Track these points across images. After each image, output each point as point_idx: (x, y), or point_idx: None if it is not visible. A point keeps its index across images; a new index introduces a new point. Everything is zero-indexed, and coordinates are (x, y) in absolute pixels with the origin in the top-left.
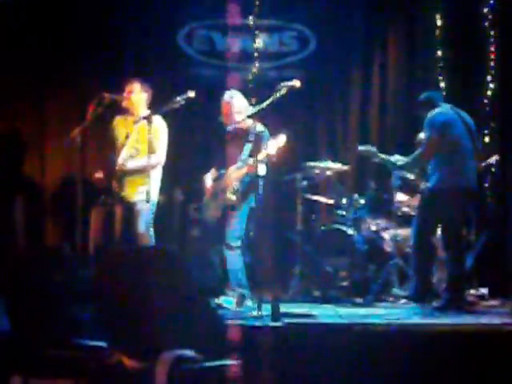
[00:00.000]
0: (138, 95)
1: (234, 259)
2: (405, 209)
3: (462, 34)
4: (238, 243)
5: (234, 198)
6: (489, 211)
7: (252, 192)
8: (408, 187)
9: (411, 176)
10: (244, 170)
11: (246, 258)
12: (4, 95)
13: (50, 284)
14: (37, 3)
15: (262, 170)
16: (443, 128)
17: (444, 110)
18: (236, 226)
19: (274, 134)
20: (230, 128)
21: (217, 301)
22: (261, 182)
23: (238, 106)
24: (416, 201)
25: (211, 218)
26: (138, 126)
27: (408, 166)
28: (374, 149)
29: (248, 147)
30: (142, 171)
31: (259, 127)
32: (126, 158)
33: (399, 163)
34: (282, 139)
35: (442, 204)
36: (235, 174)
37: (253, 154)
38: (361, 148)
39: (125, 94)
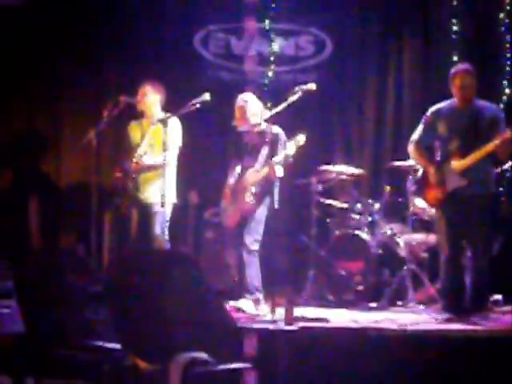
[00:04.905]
0: (151, 97)
1: (252, 262)
2: (421, 215)
3: (478, 39)
4: (256, 246)
5: (252, 200)
6: (502, 217)
7: (270, 195)
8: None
9: None
10: (263, 174)
11: (261, 262)
12: (20, 96)
13: (65, 285)
14: (54, 5)
15: (279, 171)
16: None
17: None
18: (254, 230)
19: (289, 137)
20: (245, 131)
21: (236, 304)
22: (277, 185)
23: (252, 109)
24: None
25: (230, 222)
26: (154, 127)
27: None
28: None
29: (265, 150)
30: (156, 170)
31: (275, 129)
32: (142, 154)
33: None
34: (301, 138)
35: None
36: (253, 176)
37: (270, 156)
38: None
39: (138, 97)
